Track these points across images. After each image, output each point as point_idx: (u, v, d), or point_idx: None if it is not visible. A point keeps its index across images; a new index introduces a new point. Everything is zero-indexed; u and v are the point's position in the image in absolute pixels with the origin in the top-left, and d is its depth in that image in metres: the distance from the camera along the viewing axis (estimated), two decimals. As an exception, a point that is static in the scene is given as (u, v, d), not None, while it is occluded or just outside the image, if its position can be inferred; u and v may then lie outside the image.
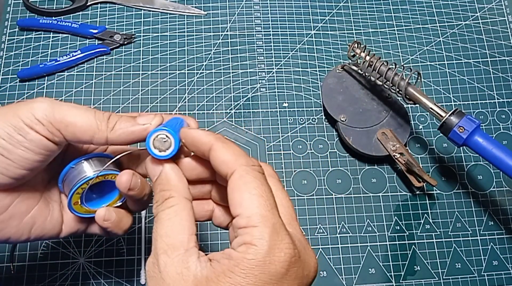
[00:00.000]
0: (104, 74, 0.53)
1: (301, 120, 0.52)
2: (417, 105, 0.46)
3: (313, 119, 0.53)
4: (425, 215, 0.49)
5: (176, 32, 0.56)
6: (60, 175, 0.32)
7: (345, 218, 0.48)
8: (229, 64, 0.55)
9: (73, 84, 0.53)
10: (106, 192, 0.34)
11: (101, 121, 0.29)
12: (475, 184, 0.51)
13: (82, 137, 0.29)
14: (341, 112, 0.50)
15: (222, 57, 0.55)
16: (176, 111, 0.52)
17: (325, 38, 0.57)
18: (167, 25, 0.56)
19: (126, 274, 0.45)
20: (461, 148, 0.52)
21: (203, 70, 0.54)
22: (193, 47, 0.55)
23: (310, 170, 0.50)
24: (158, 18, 0.57)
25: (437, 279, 0.46)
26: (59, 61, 0.52)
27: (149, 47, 0.55)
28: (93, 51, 0.53)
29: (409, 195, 0.50)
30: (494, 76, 0.56)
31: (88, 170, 0.31)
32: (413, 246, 0.48)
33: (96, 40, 0.55)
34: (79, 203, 0.32)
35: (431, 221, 0.49)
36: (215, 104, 0.53)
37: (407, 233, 0.48)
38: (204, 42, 0.56)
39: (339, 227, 0.48)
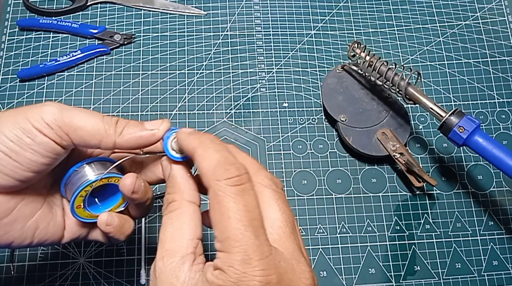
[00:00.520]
0: (104, 74, 0.53)
1: (301, 120, 0.52)
2: (417, 105, 0.46)
3: (313, 119, 0.53)
4: (425, 215, 0.49)
5: (176, 32, 0.56)
6: (63, 179, 0.32)
7: (345, 218, 0.48)
8: (229, 64, 0.55)
9: (73, 84, 0.53)
10: (108, 197, 0.34)
11: (109, 126, 0.29)
12: (475, 184, 0.51)
13: (90, 141, 0.29)
14: (341, 112, 0.50)
15: (222, 57, 0.55)
16: (176, 111, 0.52)
17: (325, 38, 0.57)
18: (167, 25, 0.56)
19: (126, 274, 0.45)
20: (461, 148, 0.52)
21: (203, 70, 0.54)
22: (193, 47, 0.55)
23: (310, 170, 0.50)
24: (158, 18, 0.57)
25: (437, 279, 0.46)
26: (59, 61, 0.52)
27: (149, 47, 0.55)
28: (93, 51, 0.53)
29: (409, 195, 0.50)
30: (494, 76, 0.56)
31: (90, 173, 0.31)
32: (413, 246, 0.48)
33: (96, 40, 0.55)
34: (82, 207, 0.32)
35: (431, 221, 0.49)
36: (215, 104, 0.53)
37: (407, 233, 0.48)
38: (204, 42, 0.56)
39: (339, 227, 0.48)
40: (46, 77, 0.53)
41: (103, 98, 0.52)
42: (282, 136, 0.52)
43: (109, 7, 0.57)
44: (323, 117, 0.53)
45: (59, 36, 0.55)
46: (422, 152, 0.52)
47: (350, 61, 0.51)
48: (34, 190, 0.31)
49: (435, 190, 0.50)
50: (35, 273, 0.45)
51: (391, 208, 0.49)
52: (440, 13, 0.59)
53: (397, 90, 0.46)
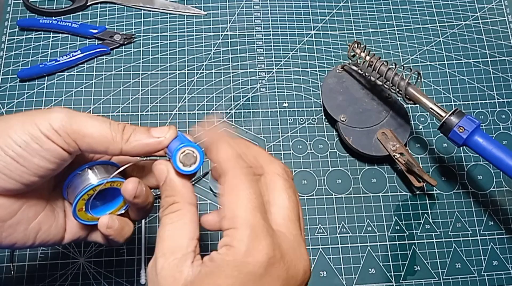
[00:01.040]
0: (104, 74, 0.53)
1: (301, 120, 0.52)
2: (417, 105, 0.46)
3: (313, 119, 0.53)
4: (425, 215, 0.49)
5: (176, 32, 0.56)
6: (65, 182, 0.32)
7: (345, 218, 0.48)
8: (229, 64, 0.55)
9: (73, 84, 0.53)
10: (109, 200, 0.34)
11: (116, 133, 0.29)
12: (475, 184, 0.51)
13: (97, 148, 0.29)
14: (341, 112, 0.50)
15: (222, 57, 0.55)
16: (176, 111, 0.52)
17: (325, 38, 0.57)
18: (167, 25, 0.56)
19: (126, 274, 0.45)
20: (461, 148, 0.52)
21: (203, 70, 0.54)
22: (193, 47, 0.55)
23: (310, 170, 0.50)
24: (158, 18, 0.57)
25: (437, 279, 0.46)
26: (59, 61, 0.52)
27: (149, 47, 0.55)
28: (93, 51, 0.53)
29: (409, 195, 0.50)
30: (494, 76, 0.56)
31: (93, 177, 0.32)
32: (413, 246, 0.48)
33: (96, 40, 0.55)
34: (84, 209, 0.32)
35: (431, 221, 0.49)
36: (215, 104, 0.53)
37: (407, 233, 0.48)
38: (204, 42, 0.56)
39: (339, 227, 0.48)
40: (46, 77, 0.53)
41: (103, 98, 0.52)
42: (282, 136, 0.52)
43: (109, 7, 0.57)
44: (323, 117, 0.53)
45: (59, 36, 0.55)
46: (422, 152, 0.52)
47: (350, 61, 0.51)
48: (37, 193, 0.31)
49: (435, 190, 0.50)
50: (35, 273, 0.45)
51: (391, 208, 0.49)
52: (440, 13, 0.59)
53: (397, 90, 0.46)
